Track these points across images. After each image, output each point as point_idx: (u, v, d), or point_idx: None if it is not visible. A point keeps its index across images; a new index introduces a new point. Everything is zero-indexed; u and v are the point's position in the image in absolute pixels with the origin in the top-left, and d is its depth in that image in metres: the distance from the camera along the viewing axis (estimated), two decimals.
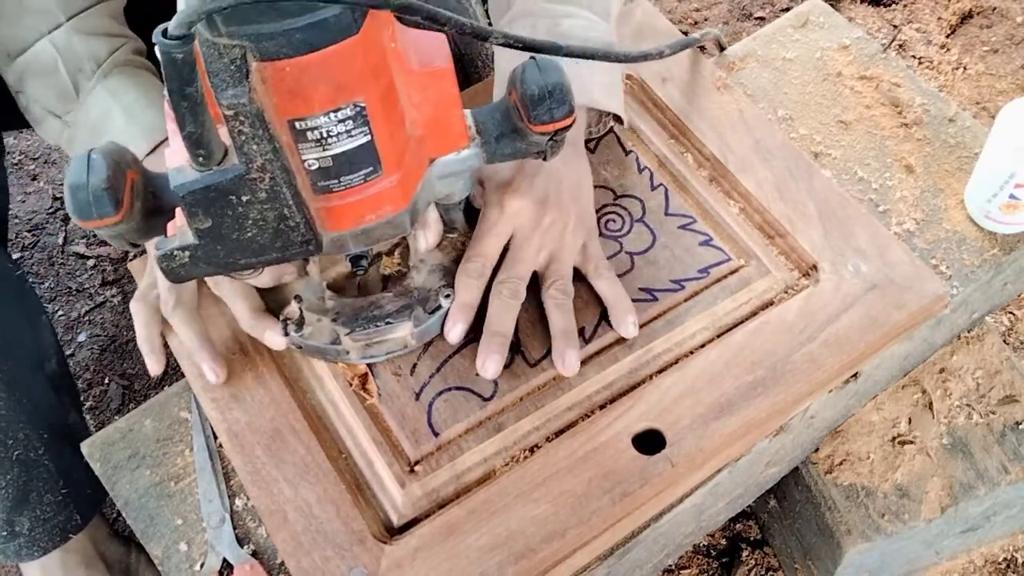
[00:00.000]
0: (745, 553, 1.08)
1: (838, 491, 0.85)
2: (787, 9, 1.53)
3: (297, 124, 0.48)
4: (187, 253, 0.53)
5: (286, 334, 0.67)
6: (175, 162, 0.50)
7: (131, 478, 0.74)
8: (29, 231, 1.43)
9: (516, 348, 0.71)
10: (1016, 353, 1.20)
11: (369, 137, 0.50)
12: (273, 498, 0.65)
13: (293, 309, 0.67)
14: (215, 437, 0.74)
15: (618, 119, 0.78)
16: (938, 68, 1.51)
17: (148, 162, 0.70)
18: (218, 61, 0.44)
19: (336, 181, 0.52)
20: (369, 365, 0.70)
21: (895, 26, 1.57)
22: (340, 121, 0.49)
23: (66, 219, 1.44)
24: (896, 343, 0.73)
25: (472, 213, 0.72)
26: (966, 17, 1.57)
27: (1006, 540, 1.03)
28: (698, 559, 1.09)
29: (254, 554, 0.70)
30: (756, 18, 1.62)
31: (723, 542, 1.10)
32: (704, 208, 0.78)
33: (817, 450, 0.86)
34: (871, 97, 0.89)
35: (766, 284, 0.73)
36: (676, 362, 0.70)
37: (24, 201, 1.48)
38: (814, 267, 0.73)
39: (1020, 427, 0.86)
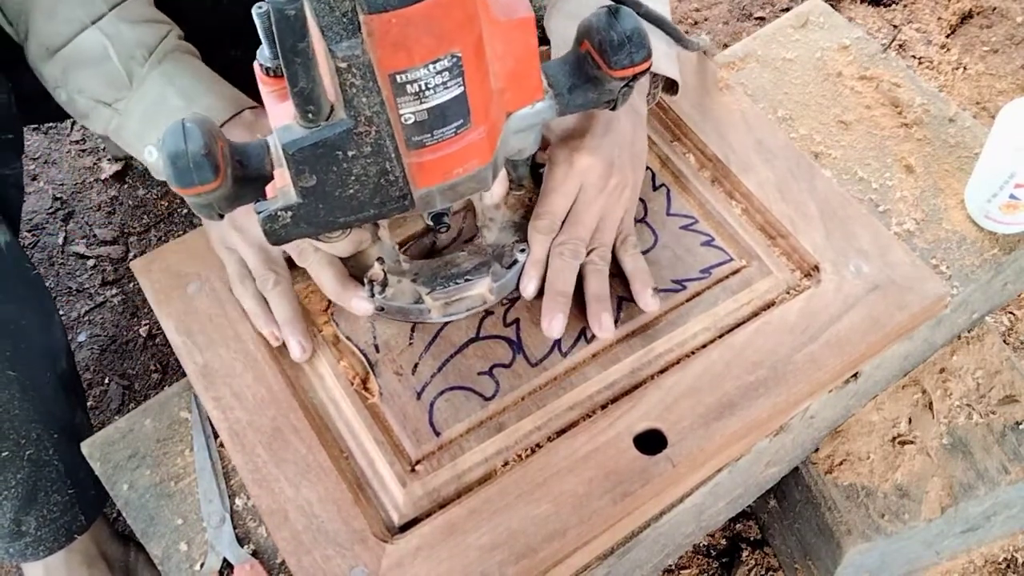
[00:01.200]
0: (745, 553, 1.08)
1: (838, 491, 0.85)
2: (787, 9, 1.53)
3: (398, 77, 0.49)
4: (289, 213, 0.54)
5: (372, 296, 0.68)
6: (279, 122, 0.51)
7: (131, 478, 0.74)
8: (29, 231, 1.43)
9: (518, 348, 0.71)
10: (1016, 353, 1.20)
11: (462, 88, 0.51)
12: (274, 497, 0.66)
13: (377, 271, 0.68)
14: (215, 437, 0.74)
15: (671, 88, 0.79)
16: (938, 68, 1.51)
17: None
18: (330, 15, 0.45)
19: (429, 135, 0.52)
20: (370, 364, 0.70)
21: (895, 26, 1.57)
22: (438, 73, 0.49)
23: (66, 219, 1.44)
24: (896, 343, 0.73)
25: (536, 169, 0.73)
26: (966, 17, 1.57)
27: (1006, 540, 1.03)
28: (698, 559, 1.09)
29: (254, 554, 0.70)
30: (756, 18, 1.62)
31: (723, 542, 1.10)
32: (706, 209, 0.78)
33: (817, 450, 0.86)
34: (871, 97, 0.89)
35: (768, 285, 0.73)
36: (677, 362, 0.70)
37: (24, 201, 1.47)
38: (816, 268, 0.73)
39: (1020, 427, 0.86)
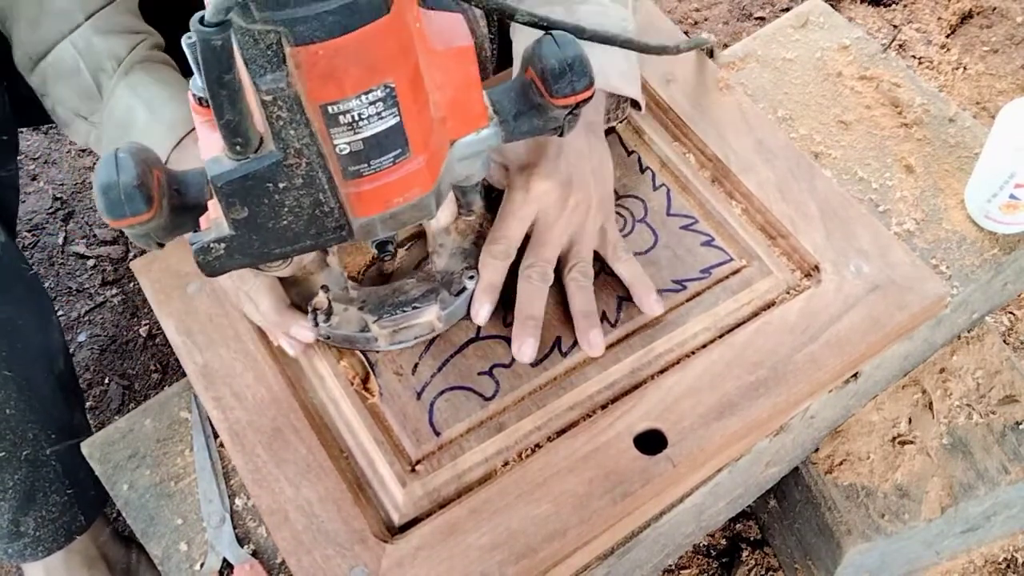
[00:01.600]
0: (745, 553, 1.08)
1: (838, 491, 0.85)
2: (787, 9, 1.53)
3: (330, 108, 0.48)
4: (223, 245, 0.54)
5: (316, 324, 0.67)
6: (209, 153, 0.51)
7: (131, 478, 0.74)
8: (29, 231, 1.43)
9: None
10: (1016, 353, 1.20)
11: (398, 118, 0.50)
12: (274, 497, 0.65)
13: (321, 299, 0.67)
14: (215, 437, 0.74)
15: (636, 105, 0.79)
16: (938, 68, 1.51)
17: (175, 156, 0.70)
18: (254, 48, 0.45)
19: (366, 165, 0.52)
20: (370, 364, 0.70)
21: (895, 26, 1.57)
22: (371, 103, 0.49)
23: (66, 219, 1.44)
24: (896, 343, 0.73)
25: (491, 196, 0.73)
26: (966, 17, 1.57)
27: (1006, 540, 1.03)
28: (698, 559, 1.09)
29: (254, 554, 0.70)
30: (756, 18, 1.62)
31: (723, 542, 1.10)
32: (706, 209, 0.78)
33: (817, 450, 0.86)
34: (871, 97, 0.89)
35: (768, 285, 0.73)
36: (678, 362, 0.70)
37: (24, 201, 1.47)
38: (816, 268, 0.73)
39: (1020, 427, 0.86)
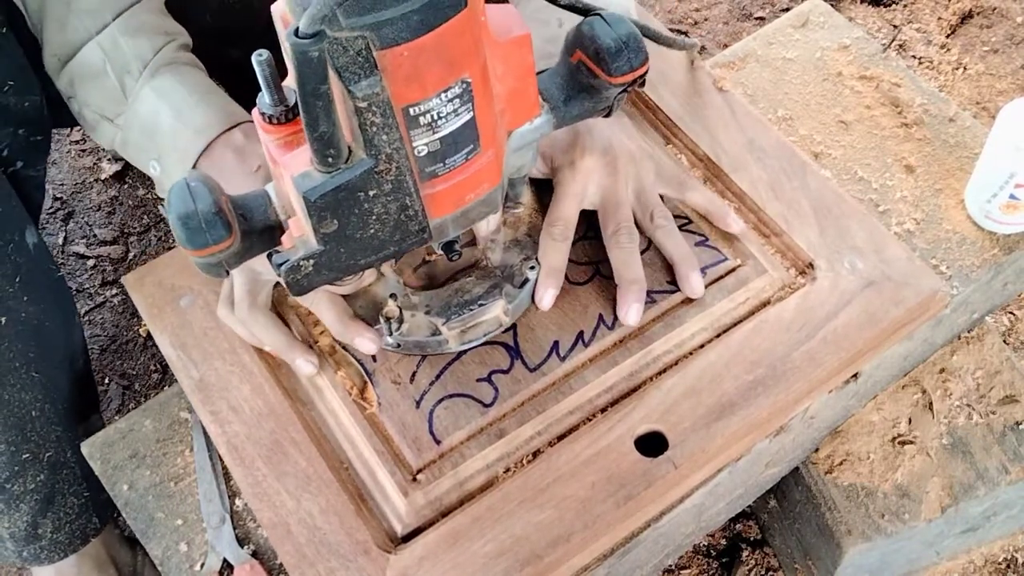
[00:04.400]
0: (745, 553, 1.08)
1: (838, 491, 0.85)
2: (787, 9, 1.53)
3: (411, 110, 0.48)
4: (311, 262, 0.53)
5: (390, 333, 0.67)
6: (294, 170, 0.50)
7: (131, 478, 0.74)
8: None
9: (516, 353, 0.70)
10: (1016, 353, 1.20)
11: (472, 114, 0.50)
12: (275, 511, 0.65)
13: (392, 308, 0.68)
14: None
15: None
16: (938, 68, 1.51)
17: (203, 162, 0.70)
18: (344, 55, 0.45)
19: (442, 164, 0.52)
20: (368, 374, 0.70)
21: (895, 26, 1.57)
22: (449, 101, 0.49)
23: (66, 219, 1.44)
24: (896, 343, 0.73)
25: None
26: (966, 17, 1.57)
27: (1006, 540, 1.03)
28: (698, 559, 1.09)
29: (254, 554, 0.70)
30: (756, 18, 1.62)
31: (723, 542, 1.10)
32: (702, 212, 0.78)
33: (817, 450, 0.86)
34: (871, 97, 0.89)
35: (763, 283, 0.73)
36: (676, 363, 0.70)
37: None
38: (810, 265, 0.73)
39: (1020, 427, 0.86)
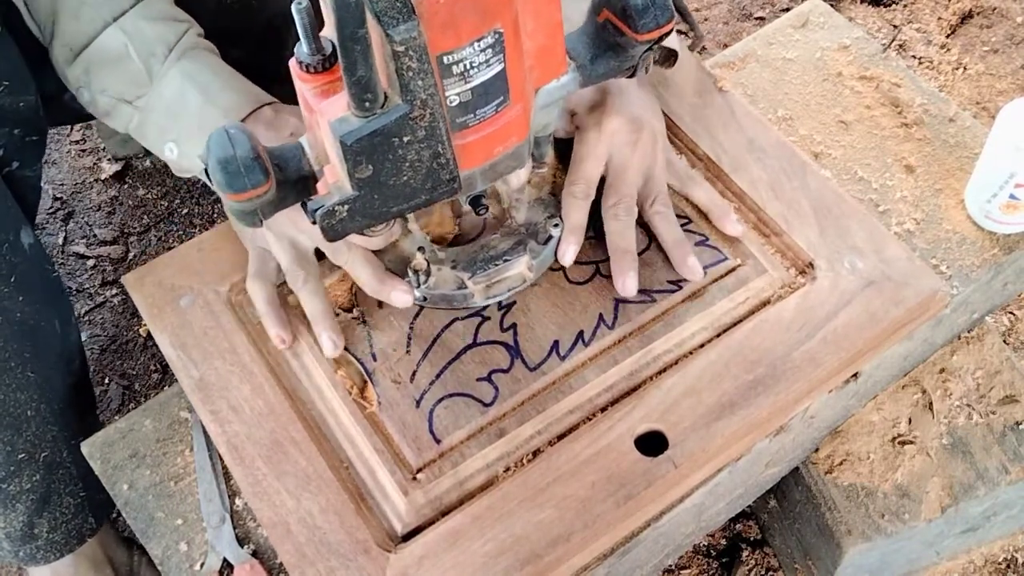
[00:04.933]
0: (745, 553, 1.08)
1: (838, 491, 0.85)
2: (787, 9, 1.53)
3: (445, 59, 0.49)
4: (346, 207, 0.54)
5: (417, 285, 0.68)
6: (331, 116, 0.51)
7: (131, 478, 0.74)
8: None
9: (515, 353, 0.70)
10: (1016, 353, 1.20)
11: (503, 65, 0.51)
12: (275, 510, 0.65)
13: (420, 261, 0.69)
14: None
15: (668, 61, 0.80)
16: (938, 68, 1.51)
17: None
18: (383, 1, 0.46)
19: (472, 115, 0.53)
20: (368, 373, 0.70)
21: (895, 26, 1.57)
22: (482, 50, 0.50)
23: (66, 219, 1.44)
24: (896, 343, 0.73)
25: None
26: (966, 17, 1.57)
27: (1006, 540, 1.03)
28: (698, 559, 1.09)
29: (254, 554, 0.70)
30: (756, 18, 1.62)
31: (723, 542, 1.10)
32: (699, 208, 0.78)
33: (817, 450, 0.86)
34: (871, 97, 0.89)
35: (763, 283, 0.73)
36: (676, 363, 0.70)
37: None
38: (810, 265, 0.73)
39: (1020, 427, 0.86)
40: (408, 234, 0.71)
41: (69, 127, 1.53)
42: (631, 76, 0.62)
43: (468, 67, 0.50)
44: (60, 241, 1.42)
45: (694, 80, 0.85)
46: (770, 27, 0.95)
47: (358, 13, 0.44)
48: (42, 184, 1.46)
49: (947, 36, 1.55)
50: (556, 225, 0.72)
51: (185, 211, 1.43)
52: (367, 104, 0.49)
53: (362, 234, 0.65)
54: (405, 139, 0.51)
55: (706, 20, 1.63)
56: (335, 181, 0.55)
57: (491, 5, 0.48)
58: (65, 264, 1.39)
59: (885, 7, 1.60)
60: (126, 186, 1.47)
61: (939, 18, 1.57)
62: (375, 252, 0.70)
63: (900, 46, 1.54)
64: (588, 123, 0.73)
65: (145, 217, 1.43)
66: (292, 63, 0.55)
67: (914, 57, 1.52)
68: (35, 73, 0.81)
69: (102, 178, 1.47)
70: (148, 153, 1.49)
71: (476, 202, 0.64)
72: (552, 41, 0.56)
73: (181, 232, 1.41)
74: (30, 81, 0.81)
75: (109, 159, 1.49)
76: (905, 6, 1.60)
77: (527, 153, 0.59)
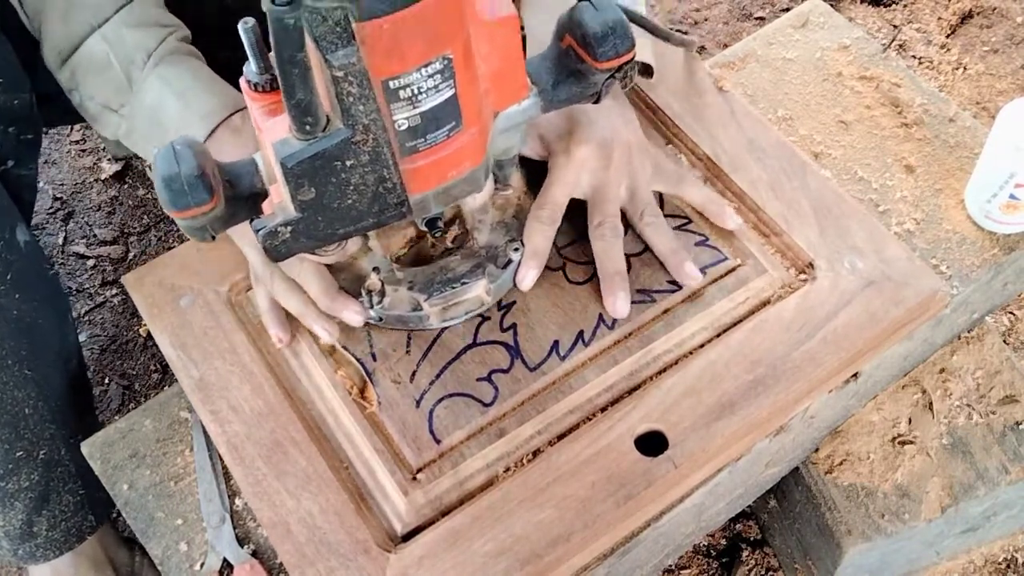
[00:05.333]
0: (745, 553, 1.08)
1: (838, 491, 0.85)
2: (787, 9, 1.53)
3: (391, 83, 0.49)
4: (289, 228, 0.54)
5: (371, 306, 0.68)
6: (270, 139, 0.51)
7: (131, 478, 0.74)
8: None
9: (515, 353, 0.70)
10: (1016, 353, 1.20)
11: (453, 90, 0.51)
12: (275, 510, 0.65)
13: (374, 281, 0.68)
14: None
15: (645, 73, 0.80)
16: (938, 68, 1.51)
17: (208, 146, 0.70)
18: (322, 25, 0.45)
19: (423, 139, 0.52)
20: (368, 373, 0.70)
21: (895, 26, 1.57)
22: (430, 76, 0.49)
23: (66, 219, 1.44)
24: (896, 343, 0.73)
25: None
26: (966, 17, 1.57)
27: (1006, 540, 1.03)
28: (698, 559, 1.09)
29: (254, 554, 0.70)
30: (756, 18, 1.62)
31: (723, 542, 1.10)
32: (699, 208, 0.78)
33: (817, 450, 0.86)
34: (871, 97, 0.89)
35: (763, 283, 0.73)
36: (676, 363, 0.70)
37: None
38: (810, 265, 0.73)
39: (1020, 427, 0.86)
40: (367, 252, 0.71)
41: (69, 127, 1.53)
42: (596, 102, 0.61)
43: (416, 92, 0.50)
44: (60, 241, 1.42)
45: (694, 80, 0.85)
46: (770, 27, 0.95)
47: (296, 37, 0.44)
48: (42, 184, 1.47)
49: (947, 36, 1.55)
50: (516, 249, 0.71)
51: None
52: (308, 127, 0.49)
53: (313, 252, 0.65)
54: (348, 163, 0.51)
55: (706, 20, 1.63)
56: (279, 201, 0.55)
57: (438, 31, 0.48)
58: (65, 264, 1.39)
59: (885, 7, 1.60)
60: (126, 186, 1.47)
61: (939, 18, 1.57)
62: (331, 268, 0.70)
63: (900, 46, 1.54)
64: (559, 149, 0.72)
65: (145, 217, 1.43)
66: (242, 81, 0.55)
67: (914, 57, 1.52)
68: (31, 72, 0.81)
69: (102, 178, 1.47)
70: None
71: (432, 224, 0.63)
72: (510, 65, 0.56)
73: (181, 232, 1.40)
74: (25, 79, 0.81)
75: (109, 159, 1.49)
76: (905, 6, 1.60)
77: (483, 178, 0.58)
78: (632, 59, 0.58)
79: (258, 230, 0.54)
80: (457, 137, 0.53)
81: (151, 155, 0.74)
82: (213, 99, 0.72)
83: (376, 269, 0.69)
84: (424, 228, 0.63)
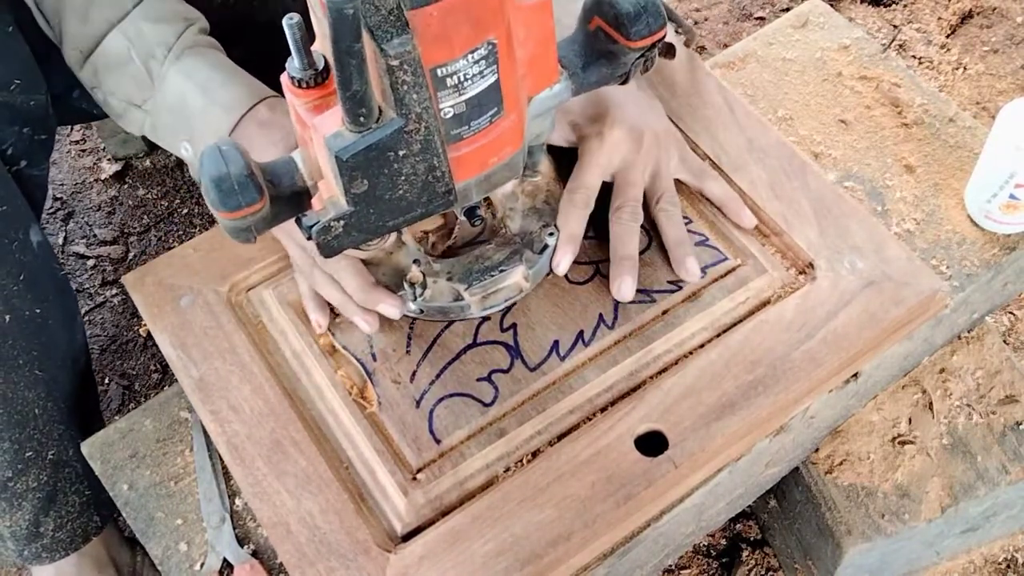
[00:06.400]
0: (745, 553, 1.08)
1: (838, 491, 0.85)
2: (787, 9, 1.53)
3: (439, 71, 0.49)
4: (342, 223, 0.54)
5: (414, 298, 0.68)
6: (325, 131, 0.51)
7: (131, 478, 0.74)
8: None
9: (515, 353, 0.70)
10: (1016, 353, 1.20)
11: (496, 76, 0.51)
12: (275, 510, 0.65)
13: (416, 274, 0.68)
14: None
15: (668, 53, 0.81)
16: (938, 68, 1.51)
17: (233, 138, 0.71)
18: (376, 15, 0.46)
19: (467, 127, 0.52)
20: (368, 373, 0.70)
21: (895, 26, 1.57)
22: (475, 62, 0.49)
23: (66, 219, 1.44)
24: (896, 343, 0.73)
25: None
26: (966, 17, 1.57)
27: (1006, 540, 1.03)
28: (698, 559, 1.09)
29: (254, 554, 0.70)
30: (756, 18, 1.62)
31: (723, 542, 1.10)
32: (699, 208, 0.78)
33: (817, 450, 0.86)
34: (871, 97, 0.89)
35: (763, 283, 0.73)
36: (676, 363, 0.70)
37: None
38: (810, 265, 0.73)
39: (1020, 427, 0.86)
40: (402, 246, 0.71)
41: (69, 127, 1.53)
42: (624, 83, 0.62)
43: (462, 79, 0.50)
44: (60, 241, 1.42)
45: (694, 80, 0.85)
46: (770, 27, 0.95)
47: (354, 26, 0.44)
48: None
49: (947, 36, 1.55)
50: (551, 234, 0.72)
51: (185, 211, 1.43)
52: (362, 119, 0.49)
53: (355, 247, 0.65)
54: (400, 153, 0.51)
55: (706, 20, 1.63)
56: (330, 196, 0.55)
57: (484, 16, 0.48)
58: (65, 264, 1.39)
59: (885, 7, 1.60)
60: (126, 186, 1.47)
61: (939, 18, 1.57)
62: (368, 264, 0.70)
63: (900, 46, 1.54)
64: (591, 133, 0.73)
65: (145, 217, 1.43)
66: (283, 78, 0.54)
67: (914, 57, 1.52)
68: (45, 72, 0.81)
69: (102, 178, 1.48)
70: (148, 153, 1.49)
71: (471, 213, 0.64)
72: (544, 49, 0.56)
73: (181, 232, 1.41)
74: (41, 81, 0.81)
75: (109, 159, 1.49)
76: (905, 6, 1.60)
77: (521, 163, 0.59)
78: (664, 36, 0.58)
79: (310, 226, 0.54)
80: (499, 123, 0.54)
81: (178, 150, 0.74)
82: (236, 90, 0.72)
83: (416, 262, 0.69)
84: (463, 217, 0.63)
